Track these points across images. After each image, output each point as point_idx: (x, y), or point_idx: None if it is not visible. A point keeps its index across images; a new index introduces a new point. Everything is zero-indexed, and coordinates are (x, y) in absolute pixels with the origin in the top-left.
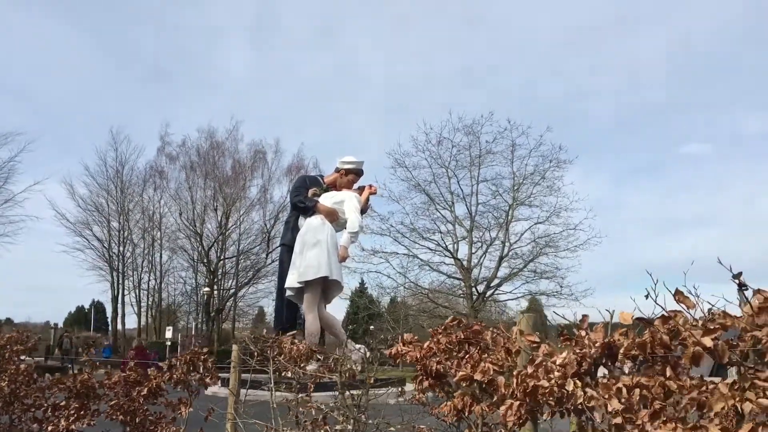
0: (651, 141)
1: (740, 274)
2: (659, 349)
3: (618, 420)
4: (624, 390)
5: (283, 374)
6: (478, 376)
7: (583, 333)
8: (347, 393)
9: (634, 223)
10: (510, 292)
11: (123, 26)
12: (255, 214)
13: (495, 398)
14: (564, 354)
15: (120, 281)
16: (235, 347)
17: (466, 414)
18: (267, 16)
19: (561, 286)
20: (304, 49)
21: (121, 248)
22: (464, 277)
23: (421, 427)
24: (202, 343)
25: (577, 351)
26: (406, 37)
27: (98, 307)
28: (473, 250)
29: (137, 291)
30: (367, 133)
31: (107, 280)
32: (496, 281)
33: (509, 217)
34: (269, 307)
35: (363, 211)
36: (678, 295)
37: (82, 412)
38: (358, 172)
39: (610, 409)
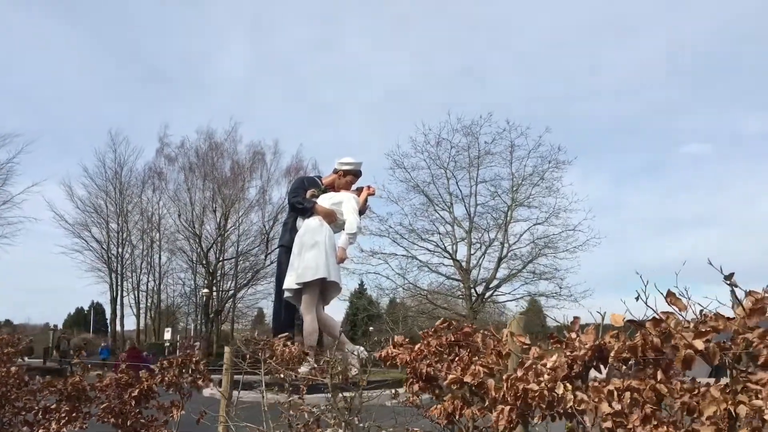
0: (651, 141)
1: (732, 275)
2: (650, 352)
3: (608, 424)
4: (615, 393)
5: (275, 376)
6: (468, 379)
7: (573, 335)
8: (339, 395)
9: (634, 223)
10: (509, 294)
11: (123, 27)
12: (254, 216)
13: (486, 401)
14: (554, 357)
15: (119, 283)
16: (227, 349)
17: (457, 417)
18: (267, 16)
19: (560, 287)
20: (304, 49)
21: (120, 250)
22: (463, 278)
23: (415, 429)
24: (204, 345)
25: (568, 353)
26: (406, 37)
27: (97, 308)
28: (472, 251)
29: (136, 292)
30: (366, 133)
31: (106, 282)
32: (495, 282)
33: (508, 218)
34: (268, 309)
35: (361, 212)
36: (670, 297)
37: (73, 415)
38: (356, 173)
39: (600, 412)
